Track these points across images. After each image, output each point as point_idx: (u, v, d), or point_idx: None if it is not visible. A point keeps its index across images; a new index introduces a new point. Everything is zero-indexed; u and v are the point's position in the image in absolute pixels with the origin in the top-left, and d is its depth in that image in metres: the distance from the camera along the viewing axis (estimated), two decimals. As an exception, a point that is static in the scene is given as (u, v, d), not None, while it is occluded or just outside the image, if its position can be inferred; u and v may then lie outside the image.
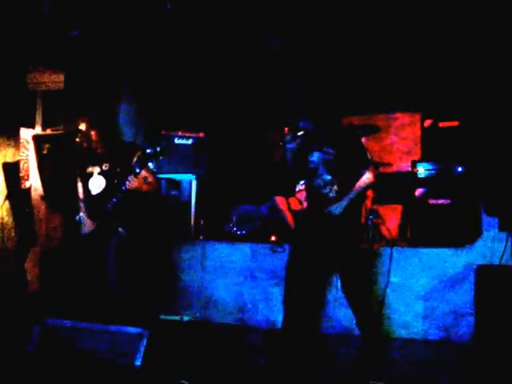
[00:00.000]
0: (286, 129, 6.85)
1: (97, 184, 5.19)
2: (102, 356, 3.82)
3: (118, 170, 5.14)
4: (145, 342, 3.79)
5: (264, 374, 4.72)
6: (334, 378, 4.62)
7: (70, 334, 3.94)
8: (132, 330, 3.89)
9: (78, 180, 5.36)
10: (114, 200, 5.02)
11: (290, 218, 5.93)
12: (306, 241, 4.94)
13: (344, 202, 4.81)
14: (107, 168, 5.19)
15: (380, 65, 7.34)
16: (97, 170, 5.22)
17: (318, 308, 5.33)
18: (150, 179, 5.15)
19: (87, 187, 5.24)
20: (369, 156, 5.00)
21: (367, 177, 4.86)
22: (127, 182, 4.92)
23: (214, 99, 7.99)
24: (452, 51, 6.69)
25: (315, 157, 4.95)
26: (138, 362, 3.75)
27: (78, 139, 5.26)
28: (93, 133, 5.19)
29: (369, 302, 5.13)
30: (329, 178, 4.90)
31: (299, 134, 5.23)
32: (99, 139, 5.19)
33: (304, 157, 5.02)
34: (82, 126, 5.21)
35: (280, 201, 5.92)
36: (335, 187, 4.88)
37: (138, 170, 4.92)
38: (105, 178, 5.19)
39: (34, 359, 3.96)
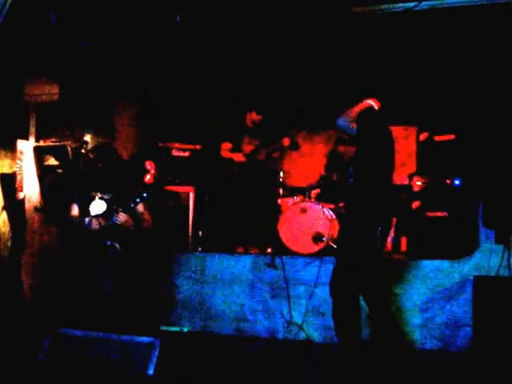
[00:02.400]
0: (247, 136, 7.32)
1: (97, 206, 5.31)
2: (115, 365, 3.85)
3: (119, 196, 5.28)
4: (157, 351, 3.83)
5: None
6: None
7: (82, 343, 3.96)
8: (144, 339, 3.93)
9: (77, 202, 5.44)
10: (114, 220, 5.14)
11: None
12: None
13: None
14: (109, 197, 5.33)
15: (376, 78, 7.43)
16: (98, 195, 5.34)
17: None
18: (145, 216, 5.39)
19: (87, 209, 5.32)
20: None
21: None
22: (116, 218, 5.11)
23: (212, 111, 8.06)
24: (448, 65, 6.79)
25: None
26: (150, 371, 3.78)
27: (83, 150, 5.32)
28: (99, 164, 5.32)
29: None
30: (351, 169, 5.04)
31: None
32: (104, 165, 5.32)
33: None
34: (87, 138, 5.27)
35: None
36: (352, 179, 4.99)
37: (132, 206, 5.10)
38: (106, 202, 5.36)
39: (45, 369, 3.97)
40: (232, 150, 7.31)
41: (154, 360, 3.77)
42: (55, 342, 3.99)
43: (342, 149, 7.59)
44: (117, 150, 5.69)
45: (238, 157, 7.24)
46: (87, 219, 5.28)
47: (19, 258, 6.46)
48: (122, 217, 5.15)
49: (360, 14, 5.83)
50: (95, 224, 5.23)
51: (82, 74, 6.85)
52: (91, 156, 5.36)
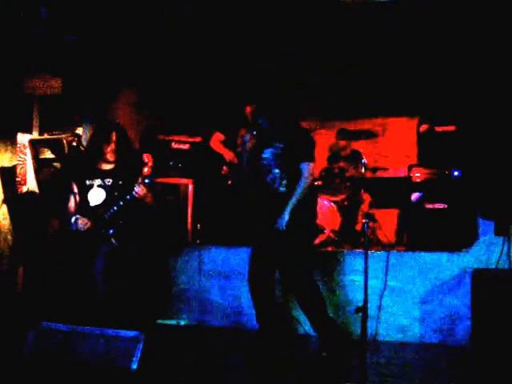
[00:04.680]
0: (243, 130, 6.93)
1: (96, 196, 5.14)
2: (99, 359, 3.82)
3: (120, 182, 5.13)
4: (141, 345, 3.79)
5: (260, 376, 4.76)
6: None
7: (66, 337, 3.94)
8: (128, 333, 3.89)
9: (75, 192, 5.27)
10: (115, 209, 5.01)
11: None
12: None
13: (286, 216, 4.92)
14: (109, 183, 5.16)
15: (377, 69, 7.38)
16: (97, 182, 5.17)
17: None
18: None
19: (86, 199, 5.18)
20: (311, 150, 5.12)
21: (303, 180, 4.97)
22: (136, 190, 4.93)
23: (211, 104, 8.02)
24: (449, 56, 6.71)
25: (268, 153, 5.11)
26: (134, 366, 3.74)
27: (74, 143, 5.25)
28: (113, 134, 5.15)
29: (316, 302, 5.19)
30: (277, 172, 5.04)
31: (254, 132, 5.34)
32: (117, 143, 5.16)
33: (258, 155, 5.16)
34: (79, 131, 5.21)
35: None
36: (284, 181, 5.03)
37: (147, 181, 4.97)
38: (105, 190, 5.14)
39: (29, 363, 3.95)
40: (224, 142, 7.14)
41: (138, 354, 3.73)
42: (39, 336, 3.97)
43: (343, 143, 7.59)
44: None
45: (229, 155, 7.02)
46: (73, 218, 5.07)
47: (23, 252, 6.48)
48: (142, 190, 4.91)
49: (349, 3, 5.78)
50: (80, 224, 5.03)
51: (82, 68, 6.85)
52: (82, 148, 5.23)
